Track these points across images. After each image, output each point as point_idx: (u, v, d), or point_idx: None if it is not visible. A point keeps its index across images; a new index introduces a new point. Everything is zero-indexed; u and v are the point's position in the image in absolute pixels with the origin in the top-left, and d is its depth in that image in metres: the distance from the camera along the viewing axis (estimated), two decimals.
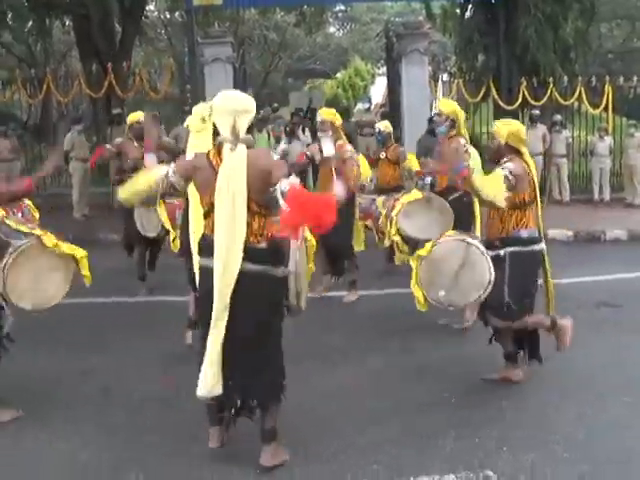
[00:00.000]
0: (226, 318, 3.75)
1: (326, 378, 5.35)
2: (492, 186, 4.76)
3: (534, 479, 3.92)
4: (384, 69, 24.80)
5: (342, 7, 31.79)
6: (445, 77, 16.10)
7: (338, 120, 7.30)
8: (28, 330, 6.74)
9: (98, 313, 7.25)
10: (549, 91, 13.95)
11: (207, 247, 3.85)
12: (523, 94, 13.92)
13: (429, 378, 5.35)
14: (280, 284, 3.94)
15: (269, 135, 14.05)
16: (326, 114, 7.32)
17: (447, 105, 6.81)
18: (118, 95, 14.71)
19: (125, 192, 4.18)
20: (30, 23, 17.45)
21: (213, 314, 3.76)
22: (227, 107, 3.81)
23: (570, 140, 14.06)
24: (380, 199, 7.89)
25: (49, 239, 4.81)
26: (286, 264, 3.93)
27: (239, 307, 3.75)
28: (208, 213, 3.87)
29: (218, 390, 3.84)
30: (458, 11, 16.49)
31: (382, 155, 8.38)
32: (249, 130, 3.86)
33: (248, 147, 3.79)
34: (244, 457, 4.21)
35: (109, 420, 4.79)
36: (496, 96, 14.21)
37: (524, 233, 4.97)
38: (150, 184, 4.03)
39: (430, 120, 11.25)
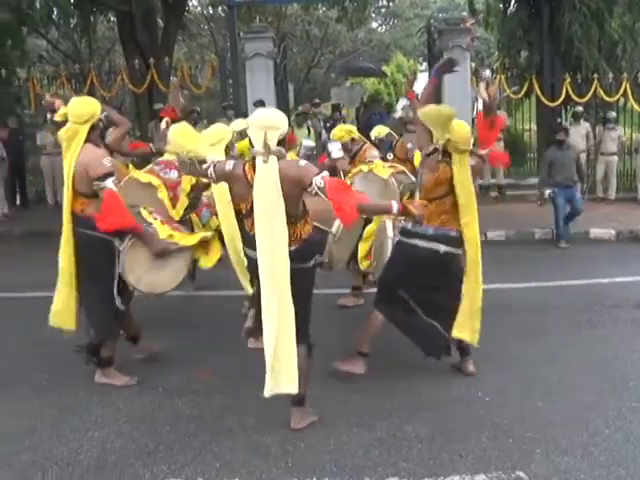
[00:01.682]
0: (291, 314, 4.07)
1: (358, 376, 5.31)
2: None
3: None
4: (426, 65, 24.61)
5: (385, 2, 31.59)
6: (487, 73, 15.90)
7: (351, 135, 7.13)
8: None
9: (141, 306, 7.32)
10: (593, 87, 13.70)
11: (250, 241, 4.29)
12: (566, 90, 13.70)
13: (462, 376, 5.30)
14: (310, 273, 4.40)
15: (309, 130, 14.06)
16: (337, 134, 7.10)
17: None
18: (160, 90, 14.85)
19: (180, 136, 4.89)
20: (75, 20, 17.69)
21: (263, 306, 4.06)
22: (259, 123, 4.15)
23: (623, 138, 13.78)
24: None
25: (163, 230, 5.03)
26: (315, 257, 4.41)
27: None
28: (247, 215, 4.28)
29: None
30: (501, 6, 16.27)
31: (390, 157, 7.70)
32: (281, 144, 4.16)
33: (279, 159, 4.09)
34: (274, 451, 4.23)
35: (143, 409, 4.86)
36: (539, 93, 14.00)
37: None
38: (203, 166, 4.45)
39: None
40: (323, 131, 14.70)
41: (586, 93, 13.78)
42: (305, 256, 4.31)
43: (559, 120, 14.29)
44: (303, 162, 4.27)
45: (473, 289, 5.13)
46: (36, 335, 6.49)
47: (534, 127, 15.76)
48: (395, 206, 4.18)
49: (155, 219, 5.25)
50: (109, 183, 4.88)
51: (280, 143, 4.16)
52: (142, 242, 5.05)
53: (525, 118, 15.42)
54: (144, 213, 5.28)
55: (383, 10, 37.57)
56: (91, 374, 5.45)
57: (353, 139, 7.04)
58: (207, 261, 5.60)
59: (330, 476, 3.97)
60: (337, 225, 4.60)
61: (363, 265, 6.36)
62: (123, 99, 16.98)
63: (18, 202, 14.14)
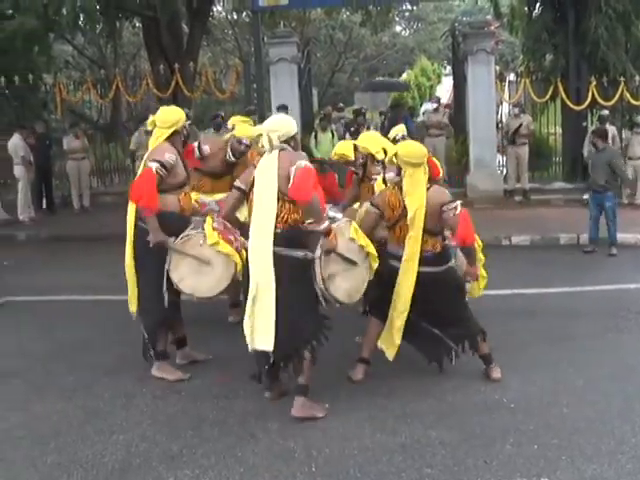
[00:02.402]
0: (269, 292, 4.56)
1: (376, 379, 5.32)
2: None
3: None
4: (450, 69, 24.53)
5: (409, 6, 31.53)
6: (512, 77, 15.81)
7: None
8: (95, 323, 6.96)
9: None
10: (620, 91, 13.56)
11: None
12: (592, 94, 13.57)
13: (486, 382, 5.26)
14: (300, 264, 4.65)
15: (333, 134, 14.05)
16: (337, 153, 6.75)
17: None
18: (185, 95, 14.94)
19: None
20: (101, 26, 17.87)
21: (251, 285, 4.62)
22: (263, 128, 4.82)
23: None
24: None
25: (212, 236, 5.12)
26: (307, 249, 4.67)
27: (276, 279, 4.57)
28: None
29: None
30: (526, 9, 16.15)
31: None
32: (289, 142, 4.76)
33: (282, 150, 4.69)
34: (298, 455, 4.23)
35: (167, 413, 4.89)
36: (564, 96, 13.88)
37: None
38: None
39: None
40: (347, 135, 14.67)
41: (612, 96, 13.64)
42: (291, 241, 4.62)
43: (584, 124, 14.17)
44: (302, 154, 4.77)
45: (397, 305, 5.15)
46: (61, 338, 6.58)
47: (559, 131, 15.62)
48: (325, 224, 4.63)
49: (212, 227, 5.27)
50: (152, 164, 5.15)
51: (285, 142, 4.74)
52: (148, 227, 5.19)
53: (550, 122, 15.27)
54: (209, 220, 5.34)
55: (407, 14, 37.55)
56: (115, 377, 5.50)
57: (355, 151, 6.48)
58: None
59: None
60: (319, 249, 4.67)
61: None
62: (148, 104, 17.09)
63: (44, 206, 14.28)
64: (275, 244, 4.57)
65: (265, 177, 4.68)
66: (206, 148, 6.46)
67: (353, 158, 6.38)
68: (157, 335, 5.44)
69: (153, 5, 15.85)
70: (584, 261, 9.53)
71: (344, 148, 6.56)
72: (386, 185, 5.72)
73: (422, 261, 5.11)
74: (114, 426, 4.70)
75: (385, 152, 5.99)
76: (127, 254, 5.39)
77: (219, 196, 6.19)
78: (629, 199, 12.95)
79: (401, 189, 5.14)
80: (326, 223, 4.63)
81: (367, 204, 5.43)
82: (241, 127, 6.64)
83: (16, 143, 13.02)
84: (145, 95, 15.37)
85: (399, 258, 5.15)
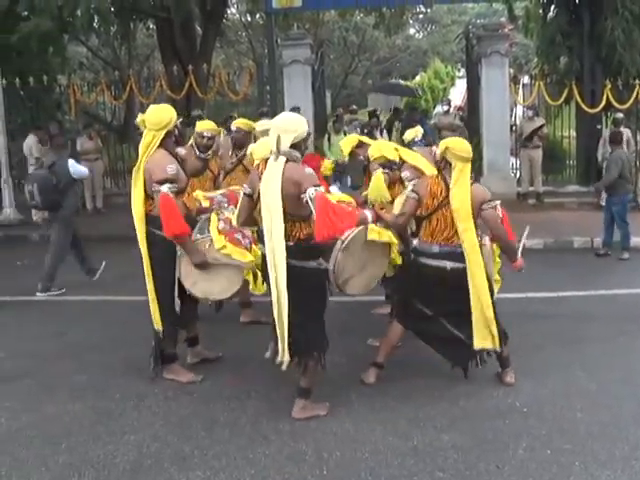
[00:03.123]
0: (285, 302, 4.44)
1: (388, 382, 5.29)
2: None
3: None
4: (464, 71, 24.46)
5: (422, 9, 31.47)
6: (526, 80, 15.74)
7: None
8: (104, 323, 6.99)
9: None
10: (635, 93, 13.48)
11: (261, 237, 4.64)
12: (607, 97, 13.50)
13: (499, 386, 5.23)
14: (313, 275, 4.60)
15: (346, 136, 14.02)
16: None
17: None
18: (198, 96, 14.98)
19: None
20: (115, 27, 17.93)
21: (273, 296, 4.49)
22: (275, 126, 4.53)
23: None
24: None
25: (219, 240, 5.11)
26: (318, 260, 4.62)
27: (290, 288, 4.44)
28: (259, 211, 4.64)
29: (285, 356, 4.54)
30: (541, 12, 16.08)
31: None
32: (296, 147, 4.48)
33: (289, 159, 4.42)
34: (309, 458, 4.22)
35: (178, 414, 4.88)
36: (578, 99, 13.82)
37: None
38: None
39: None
40: None
41: (627, 99, 13.56)
42: (303, 254, 4.52)
43: (599, 127, 14.08)
44: (310, 170, 4.47)
45: (481, 298, 5.05)
46: (73, 338, 6.61)
47: (573, 134, 15.54)
48: (369, 216, 4.65)
49: (217, 229, 5.26)
50: (164, 188, 4.98)
51: (296, 146, 4.48)
52: (184, 251, 5.12)
53: (564, 125, 15.20)
54: (213, 219, 5.34)
55: (421, 16, 37.42)
56: (127, 378, 5.51)
57: (360, 146, 6.57)
58: (257, 287, 5.41)
59: None
60: (334, 259, 4.65)
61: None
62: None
63: None
64: (288, 257, 4.42)
65: (270, 196, 4.40)
66: (181, 150, 6.49)
67: (393, 158, 6.30)
68: (172, 339, 5.43)
69: (167, 7, 15.88)
70: (597, 265, 9.48)
71: (384, 150, 6.34)
72: (402, 184, 5.72)
73: (449, 255, 5.06)
74: (125, 427, 4.70)
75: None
76: (146, 265, 5.23)
77: (222, 190, 6.14)
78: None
79: (445, 180, 5.08)
80: (369, 216, 4.65)
81: (406, 190, 5.31)
82: (201, 123, 6.65)
83: (31, 144, 13.09)
84: (158, 96, 15.40)
85: (431, 255, 5.10)
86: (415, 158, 5.83)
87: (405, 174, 5.82)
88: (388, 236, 5.04)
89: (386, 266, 5.24)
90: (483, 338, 5.10)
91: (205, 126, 6.38)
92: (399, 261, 5.34)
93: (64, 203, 8.29)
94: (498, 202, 5.12)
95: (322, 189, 4.39)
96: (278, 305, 4.46)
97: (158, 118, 5.14)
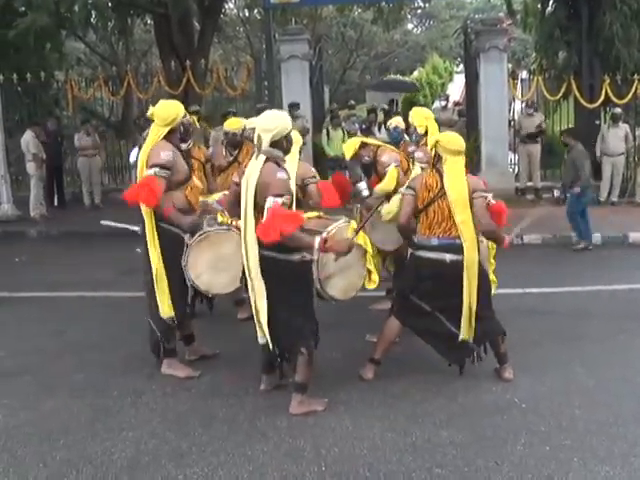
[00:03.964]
0: (259, 290, 4.60)
1: (386, 378, 5.29)
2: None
3: None
4: (462, 66, 24.43)
5: (421, 4, 31.42)
6: (524, 75, 15.73)
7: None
8: (108, 320, 6.98)
9: None
10: (633, 88, 13.47)
11: None
12: (605, 92, 13.49)
13: (498, 382, 5.22)
14: (296, 267, 4.58)
15: (344, 133, 14.01)
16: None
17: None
18: (196, 92, 14.95)
19: None
20: (112, 23, 17.87)
21: (248, 285, 4.67)
22: (257, 125, 4.62)
23: None
24: None
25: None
26: (304, 252, 4.57)
27: (266, 282, 4.59)
28: None
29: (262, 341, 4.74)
30: (539, 7, 16.05)
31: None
32: (278, 145, 4.55)
33: (269, 158, 4.50)
34: (307, 455, 4.21)
35: (176, 410, 4.87)
36: (577, 94, 13.80)
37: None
38: None
39: None
40: (358, 133, 14.63)
41: (626, 94, 13.56)
42: (286, 247, 4.47)
43: (597, 122, 14.07)
44: (281, 174, 4.48)
45: (471, 289, 5.04)
46: (71, 335, 6.60)
47: None
48: (317, 242, 4.46)
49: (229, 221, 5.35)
50: (151, 171, 5.03)
51: (276, 144, 4.54)
52: (172, 222, 5.16)
53: (563, 120, 15.18)
54: (220, 218, 5.38)
55: (419, 11, 37.40)
56: (125, 375, 5.50)
57: (363, 147, 6.53)
58: (371, 282, 5.44)
59: None
60: (316, 253, 4.57)
61: (391, 268, 6.33)
62: (159, 101, 17.12)
63: (55, 203, 14.34)
64: (270, 249, 4.49)
65: (247, 192, 4.54)
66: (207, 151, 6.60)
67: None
68: (172, 332, 5.45)
69: (164, 2, 15.82)
70: (596, 260, 9.47)
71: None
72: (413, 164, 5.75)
73: (448, 248, 5.04)
74: (123, 423, 4.69)
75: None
76: (153, 257, 5.22)
77: (217, 196, 6.14)
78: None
79: (439, 172, 5.07)
80: (316, 242, 4.47)
81: (402, 189, 5.34)
82: (229, 121, 7.15)
83: (28, 140, 13.07)
84: (156, 92, 15.37)
85: (430, 248, 5.08)
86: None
87: (418, 155, 5.83)
88: (364, 240, 4.97)
89: (364, 277, 5.07)
90: (468, 330, 5.12)
91: (232, 124, 6.87)
92: (375, 279, 5.15)
93: None
94: (490, 194, 5.09)
95: (280, 201, 4.39)
96: (254, 294, 4.63)
97: (165, 113, 5.20)
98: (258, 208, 4.50)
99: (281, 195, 4.41)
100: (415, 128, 6.44)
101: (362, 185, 6.41)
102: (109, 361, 5.84)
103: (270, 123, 4.56)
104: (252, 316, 6.40)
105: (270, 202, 4.38)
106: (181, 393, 5.15)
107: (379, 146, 6.57)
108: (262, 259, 4.56)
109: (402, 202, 5.26)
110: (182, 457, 4.23)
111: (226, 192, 6.29)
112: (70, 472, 4.08)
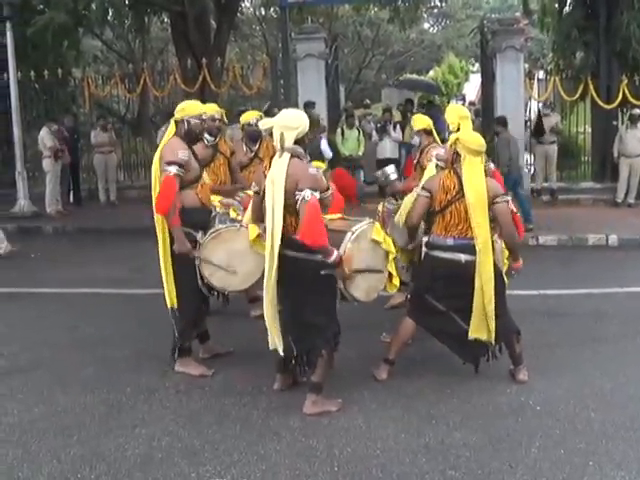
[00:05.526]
0: (274, 291, 4.56)
1: (400, 379, 5.27)
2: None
3: None
4: (478, 66, 24.32)
5: (437, 3, 31.30)
6: (541, 75, 15.63)
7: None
8: (126, 316, 7.00)
9: None
10: None
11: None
12: (623, 92, 13.38)
13: (512, 384, 5.19)
14: (319, 267, 4.53)
15: (359, 132, 13.99)
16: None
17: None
18: (212, 90, 14.97)
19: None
20: (129, 21, 17.96)
21: (264, 285, 4.59)
22: (278, 123, 4.57)
23: None
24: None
25: (254, 230, 5.13)
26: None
27: (286, 283, 4.57)
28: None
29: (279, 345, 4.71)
30: (557, 6, 15.95)
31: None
32: (300, 142, 4.54)
33: (293, 155, 4.47)
34: (320, 454, 4.20)
35: (189, 408, 4.88)
36: (594, 94, 13.70)
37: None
38: None
39: None
40: (374, 132, 14.62)
41: None
42: (304, 246, 4.43)
43: (615, 123, 13.94)
44: (313, 170, 4.50)
45: (484, 291, 5.00)
46: (85, 331, 6.62)
47: (589, 130, 15.42)
48: (334, 255, 4.47)
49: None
50: (172, 169, 5.04)
51: (299, 142, 4.53)
52: (175, 238, 5.15)
53: (580, 121, 15.07)
54: (232, 215, 5.40)
55: (435, 10, 37.20)
56: (138, 371, 5.51)
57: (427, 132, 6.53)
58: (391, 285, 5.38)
59: None
60: (343, 250, 4.62)
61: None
62: (175, 99, 17.16)
63: (71, 199, 14.41)
64: (293, 249, 4.50)
65: (275, 191, 4.45)
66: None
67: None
68: (189, 333, 5.46)
69: (181, 0, 15.90)
70: (612, 262, 9.41)
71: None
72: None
73: (464, 248, 5.00)
74: (136, 420, 4.70)
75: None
76: (162, 253, 5.27)
77: (219, 197, 6.15)
78: None
79: (457, 173, 5.03)
80: (334, 255, 4.49)
81: (416, 189, 5.30)
82: (247, 113, 7.26)
83: (44, 136, 13.13)
84: (172, 90, 15.41)
85: (446, 248, 5.05)
86: None
87: (439, 152, 5.77)
88: (388, 244, 5.03)
89: (385, 279, 5.14)
90: (478, 329, 5.07)
91: (249, 115, 7.10)
92: (396, 282, 5.23)
93: None
94: (509, 197, 5.08)
95: (318, 194, 4.41)
96: (268, 295, 4.58)
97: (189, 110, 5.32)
98: (286, 207, 4.45)
99: (315, 189, 4.42)
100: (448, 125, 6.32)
101: (390, 168, 6.46)
102: (122, 357, 5.86)
103: (294, 121, 4.55)
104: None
105: (307, 194, 4.35)
106: (194, 391, 5.15)
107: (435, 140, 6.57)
108: (285, 259, 4.52)
109: (416, 202, 5.23)
110: (195, 455, 4.23)
111: (247, 191, 6.32)
112: (83, 468, 4.09)
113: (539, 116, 13.59)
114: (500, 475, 3.96)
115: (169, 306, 5.36)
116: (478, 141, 5.07)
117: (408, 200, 5.59)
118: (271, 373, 5.12)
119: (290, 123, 4.53)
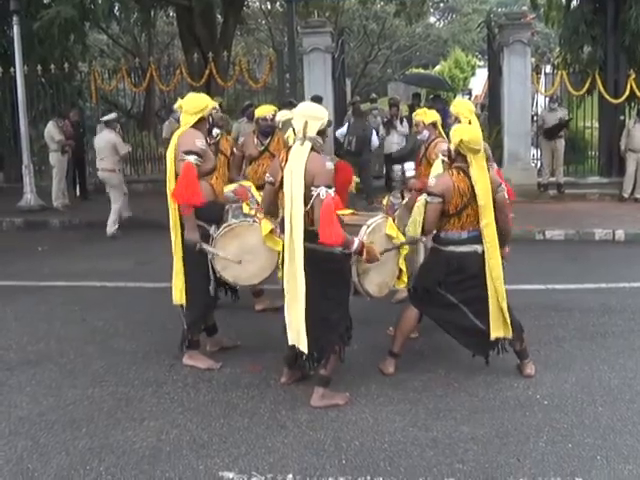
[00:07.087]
0: (302, 287, 4.44)
1: (408, 372, 5.27)
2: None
3: None
4: (485, 60, 24.25)
5: None
6: (548, 69, 15.57)
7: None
8: (129, 312, 7.01)
9: None
10: None
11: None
12: (631, 87, 13.33)
13: (520, 378, 5.19)
14: (336, 260, 4.58)
15: None
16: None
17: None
18: (218, 84, 14.97)
19: None
20: (135, 15, 17.96)
21: (285, 280, 4.58)
22: (302, 112, 4.60)
23: None
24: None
25: (267, 225, 5.13)
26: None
27: (306, 276, 4.45)
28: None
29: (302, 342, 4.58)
30: (564, 0, 15.88)
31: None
32: (321, 134, 4.58)
33: (314, 146, 4.50)
34: (328, 447, 4.21)
35: (197, 401, 4.89)
36: (602, 89, 13.65)
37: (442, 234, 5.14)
38: None
39: None
40: (380, 126, 14.60)
41: None
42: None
43: (622, 117, 13.90)
44: (330, 165, 4.52)
45: (497, 289, 5.01)
46: (93, 324, 6.64)
47: (596, 124, 15.37)
48: (356, 243, 4.50)
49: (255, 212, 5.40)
50: (190, 157, 5.01)
51: (321, 133, 4.57)
52: (185, 224, 5.13)
53: (587, 115, 15.02)
54: (245, 209, 5.42)
55: (441, 5, 37.18)
56: (146, 364, 5.53)
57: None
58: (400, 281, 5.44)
59: (384, 475, 3.92)
60: (357, 244, 4.57)
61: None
62: (181, 93, 17.18)
63: (78, 193, 14.43)
64: (310, 241, 4.43)
65: (294, 181, 4.44)
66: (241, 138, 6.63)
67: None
68: (198, 326, 5.47)
69: None
70: (619, 257, 9.38)
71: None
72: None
73: (478, 239, 5.01)
74: (145, 413, 4.71)
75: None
76: (175, 245, 5.27)
77: (232, 186, 6.16)
78: None
79: (467, 175, 4.98)
80: (356, 243, 4.50)
81: (424, 197, 5.19)
82: (260, 108, 7.20)
83: (51, 130, 13.14)
84: (178, 84, 15.41)
85: (460, 242, 5.03)
86: None
87: (444, 148, 5.76)
88: (400, 240, 5.09)
89: (396, 275, 5.19)
90: (497, 328, 5.07)
91: (264, 110, 7.01)
92: (405, 279, 5.28)
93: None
94: (503, 184, 5.08)
95: (332, 192, 4.41)
96: (295, 290, 4.49)
97: (193, 103, 5.24)
98: (304, 199, 4.45)
99: (330, 187, 4.42)
100: (456, 118, 6.29)
101: (409, 165, 6.48)
102: (130, 350, 5.88)
103: (320, 112, 4.63)
104: (271, 308, 6.44)
105: (323, 192, 4.37)
106: (202, 384, 5.17)
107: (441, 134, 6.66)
108: (304, 251, 4.48)
109: (430, 211, 5.04)
110: (203, 447, 4.24)
111: (242, 183, 6.34)
112: (92, 460, 4.10)
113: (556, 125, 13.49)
114: (508, 468, 3.96)
115: (175, 303, 5.38)
116: (478, 139, 5.03)
117: (416, 212, 5.43)
118: (278, 367, 5.13)
119: (316, 113, 4.60)
